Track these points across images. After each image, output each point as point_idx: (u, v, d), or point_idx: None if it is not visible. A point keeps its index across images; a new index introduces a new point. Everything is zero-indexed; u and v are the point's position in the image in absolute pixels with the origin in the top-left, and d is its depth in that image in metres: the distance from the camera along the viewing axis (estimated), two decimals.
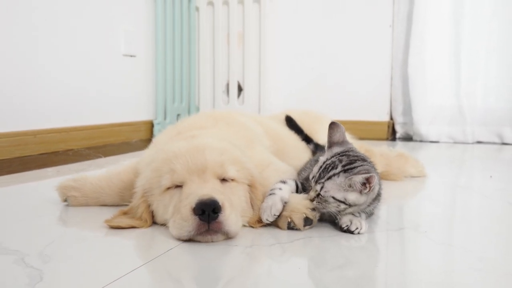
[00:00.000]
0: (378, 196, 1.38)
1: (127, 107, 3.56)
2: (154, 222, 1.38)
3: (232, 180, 1.35)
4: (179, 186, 1.30)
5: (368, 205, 1.35)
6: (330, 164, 1.31)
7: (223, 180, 1.33)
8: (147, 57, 3.74)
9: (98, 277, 1.01)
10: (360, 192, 1.27)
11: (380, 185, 1.38)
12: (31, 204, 1.66)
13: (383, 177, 1.96)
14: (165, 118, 3.84)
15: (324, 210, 1.32)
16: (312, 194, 1.32)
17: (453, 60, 3.79)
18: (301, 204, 1.34)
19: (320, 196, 1.30)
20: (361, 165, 1.29)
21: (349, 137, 1.64)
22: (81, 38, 3.08)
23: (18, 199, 1.78)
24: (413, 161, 2.20)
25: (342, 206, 1.29)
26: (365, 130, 3.84)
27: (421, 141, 3.86)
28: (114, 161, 2.60)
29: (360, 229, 1.31)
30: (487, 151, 3.37)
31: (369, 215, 1.43)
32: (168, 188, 1.32)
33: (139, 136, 3.65)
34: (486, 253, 1.19)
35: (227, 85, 4.22)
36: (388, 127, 4.00)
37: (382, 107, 4.01)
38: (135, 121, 3.63)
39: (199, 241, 1.23)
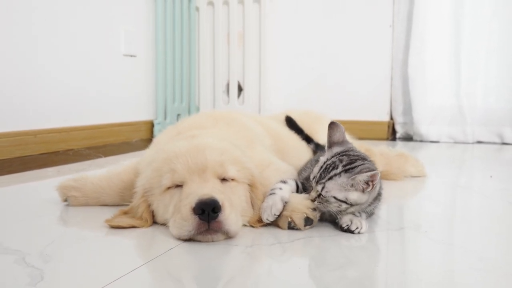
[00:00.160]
0: (378, 195, 1.38)
1: (127, 107, 3.56)
2: (154, 222, 1.38)
3: (232, 180, 1.35)
4: (179, 186, 1.30)
5: (369, 205, 1.36)
6: (330, 164, 1.31)
7: (224, 180, 1.33)
8: (147, 57, 3.74)
9: (99, 277, 1.01)
10: (363, 190, 1.28)
11: (380, 184, 1.39)
12: (32, 204, 1.66)
13: (383, 176, 1.95)
14: (165, 118, 3.84)
15: (325, 210, 1.33)
16: (313, 194, 1.32)
17: (453, 60, 3.79)
18: (301, 204, 1.34)
19: (321, 196, 1.30)
20: (362, 164, 1.29)
21: (348, 138, 1.64)
22: (81, 38, 3.08)
23: (18, 199, 1.78)
24: (413, 161, 2.20)
25: (344, 205, 1.29)
26: (365, 130, 3.84)
27: (421, 141, 3.86)
28: (114, 161, 2.60)
29: (361, 228, 1.32)
30: (487, 151, 3.37)
31: (370, 215, 1.44)
32: (169, 188, 1.32)
33: (139, 136, 3.65)
34: (486, 253, 1.19)
35: (227, 85, 4.21)
36: (388, 127, 4.00)
37: (382, 107, 4.01)
38: (135, 121, 3.63)
39: (199, 241, 1.23)
